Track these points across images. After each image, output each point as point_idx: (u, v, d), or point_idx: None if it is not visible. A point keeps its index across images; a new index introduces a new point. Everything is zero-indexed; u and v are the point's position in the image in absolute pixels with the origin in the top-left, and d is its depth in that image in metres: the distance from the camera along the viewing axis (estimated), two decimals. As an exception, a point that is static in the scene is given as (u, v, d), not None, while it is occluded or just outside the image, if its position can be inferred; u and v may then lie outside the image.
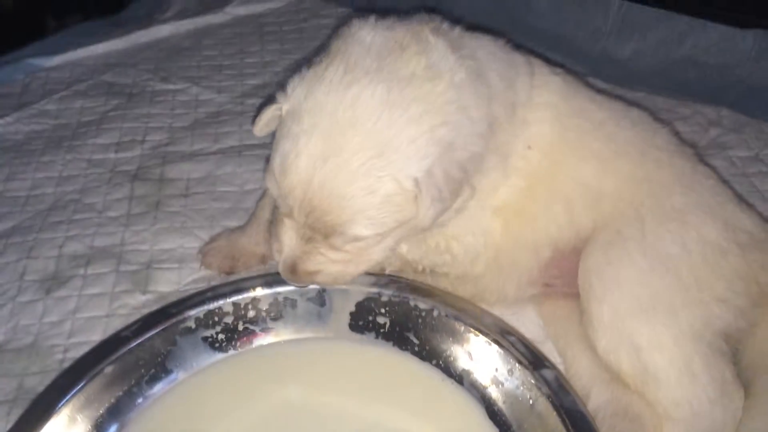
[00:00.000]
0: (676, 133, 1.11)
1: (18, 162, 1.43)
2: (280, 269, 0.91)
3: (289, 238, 0.90)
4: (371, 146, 0.82)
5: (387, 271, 1.04)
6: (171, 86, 1.66)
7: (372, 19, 0.93)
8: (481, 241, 0.99)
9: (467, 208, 0.93)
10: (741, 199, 1.07)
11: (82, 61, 1.74)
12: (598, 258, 0.94)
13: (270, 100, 0.92)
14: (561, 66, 1.10)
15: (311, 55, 0.97)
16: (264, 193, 1.22)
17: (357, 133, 0.82)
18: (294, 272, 0.90)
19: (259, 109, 0.94)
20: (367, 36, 0.89)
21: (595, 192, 0.98)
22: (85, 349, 1.01)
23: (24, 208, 1.32)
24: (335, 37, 0.93)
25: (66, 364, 1.02)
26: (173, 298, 1.08)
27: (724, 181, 1.14)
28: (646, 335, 0.89)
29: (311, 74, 0.88)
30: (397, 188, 0.83)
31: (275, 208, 0.94)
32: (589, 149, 0.99)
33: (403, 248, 1.01)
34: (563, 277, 1.01)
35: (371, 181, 0.82)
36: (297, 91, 0.87)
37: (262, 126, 0.93)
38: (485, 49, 0.97)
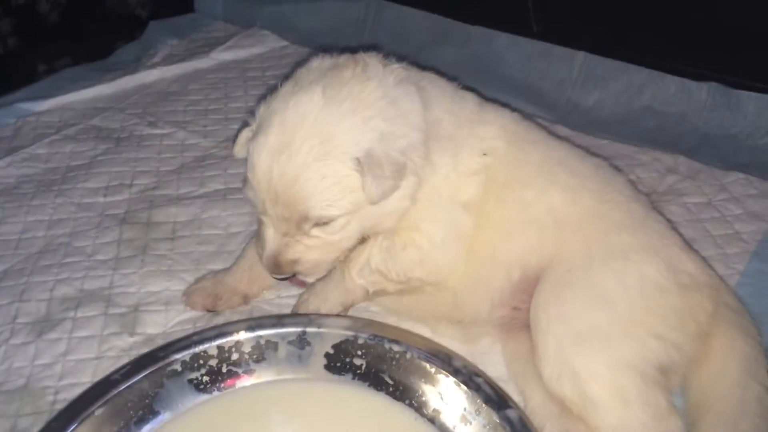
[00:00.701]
0: (632, 182, 1.20)
1: (10, 206, 1.48)
2: (264, 264, 1.07)
3: (269, 235, 1.05)
4: (315, 137, 0.98)
5: (371, 292, 1.14)
6: (158, 131, 1.72)
7: (326, 54, 1.13)
8: (446, 229, 1.09)
9: (426, 199, 1.06)
10: (690, 244, 1.15)
11: (72, 105, 1.80)
12: (547, 296, 1.03)
13: (244, 125, 1.11)
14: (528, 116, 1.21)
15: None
16: (251, 237, 1.29)
17: (302, 127, 0.99)
18: (277, 264, 1.05)
19: (236, 135, 1.14)
20: (316, 62, 1.10)
21: (562, 220, 1.08)
22: (76, 390, 1.07)
23: (15, 252, 1.37)
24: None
25: (57, 406, 1.07)
26: (160, 340, 1.14)
27: (680, 226, 1.22)
28: (583, 364, 0.98)
29: (271, 97, 1.07)
30: (344, 169, 0.99)
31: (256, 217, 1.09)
32: (558, 177, 1.10)
33: (374, 260, 1.12)
34: (529, 301, 1.08)
35: (320, 166, 0.98)
36: (261, 110, 1.07)
37: (240, 147, 1.11)
38: (425, 75, 1.15)
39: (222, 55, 2.03)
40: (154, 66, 1.96)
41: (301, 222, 1.02)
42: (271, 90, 1.10)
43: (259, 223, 1.07)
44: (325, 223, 1.03)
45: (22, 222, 1.44)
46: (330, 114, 1.00)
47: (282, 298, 1.28)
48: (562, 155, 1.16)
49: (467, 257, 1.11)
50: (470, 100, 1.16)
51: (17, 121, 1.74)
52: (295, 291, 1.26)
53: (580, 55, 1.77)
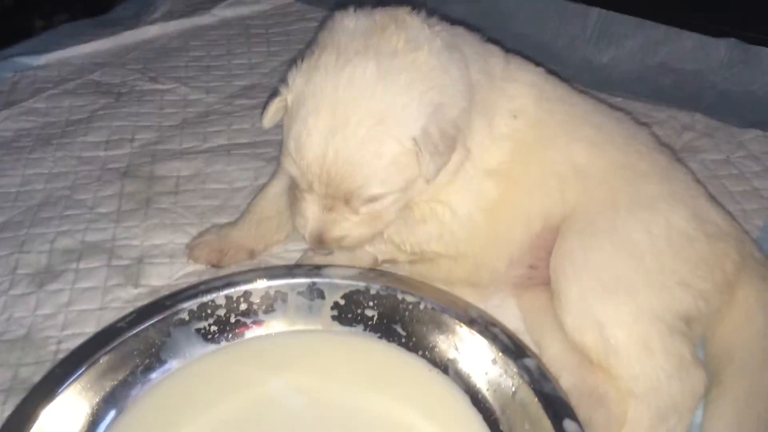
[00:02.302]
0: (655, 135, 1.17)
1: (8, 159, 1.44)
2: (308, 240, 1.02)
3: (311, 212, 1.00)
4: (371, 116, 0.92)
5: (380, 260, 1.08)
6: (159, 86, 1.68)
7: (351, 9, 1.04)
8: (472, 200, 1.05)
9: (463, 170, 1.02)
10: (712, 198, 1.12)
11: (70, 60, 1.76)
12: (572, 244, 1.00)
13: (274, 94, 1.02)
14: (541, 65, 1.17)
15: (300, 52, 1.06)
16: (260, 190, 1.25)
17: (358, 106, 0.92)
18: (321, 241, 1.00)
19: (265, 103, 1.04)
20: (350, 23, 1.00)
21: (584, 173, 1.04)
22: (79, 340, 1.03)
23: (14, 204, 1.33)
24: (322, 29, 1.04)
25: (60, 356, 1.04)
26: (165, 292, 1.11)
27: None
28: (608, 313, 0.95)
29: (307, 65, 0.98)
30: (400, 149, 0.94)
31: (292, 188, 1.04)
32: (581, 133, 1.07)
33: (388, 231, 1.07)
34: (546, 259, 1.05)
35: (377, 145, 0.93)
36: (297, 81, 0.97)
37: (270, 118, 1.03)
38: (457, 31, 1.08)
39: (224, 12, 1.98)
40: (154, 22, 1.91)
41: (350, 200, 0.97)
42: (297, 56, 1.03)
43: (298, 198, 1.01)
44: (375, 200, 0.98)
45: (21, 175, 1.41)
46: (386, 90, 0.93)
47: (290, 252, 1.25)
48: (586, 110, 1.13)
49: (486, 219, 1.07)
50: (498, 55, 1.11)
51: (14, 75, 1.69)
52: (303, 245, 1.22)
53: (594, 12, 1.72)
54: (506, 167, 1.05)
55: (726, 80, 1.62)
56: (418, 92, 0.94)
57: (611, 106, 1.29)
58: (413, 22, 1.00)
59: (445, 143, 0.95)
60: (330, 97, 0.93)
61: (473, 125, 1.02)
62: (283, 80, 1.01)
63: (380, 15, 1.01)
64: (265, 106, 1.03)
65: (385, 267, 1.16)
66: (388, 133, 0.93)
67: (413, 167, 0.96)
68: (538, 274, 1.09)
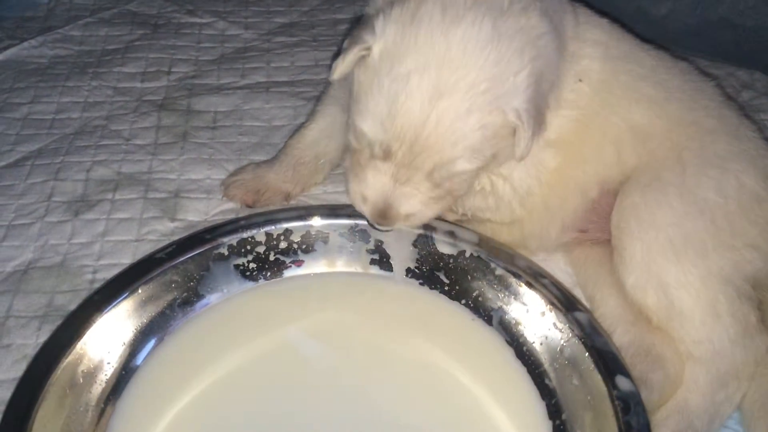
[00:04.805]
0: (721, 88, 1.10)
1: (43, 85, 1.41)
2: (369, 214, 0.91)
3: (380, 183, 0.89)
4: (483, 80, 0.82)
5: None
6: (197, 19, 1.63)
7: None
8: (533, 174, 0.98)
9: None
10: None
11: (107, -11, 1.71)
12: (636, 199, 0.95)
13: (353, 41, 0.89)
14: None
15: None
16: (297, 131, 1.21)
17: (470, 68, 0.82)
18: (385, 216, 0.90)
19: (335, 54, 0.92)
20: None
21: (644, 133, 0.99)
22: (115, 270, 1.02)
23: (50, 131, 1.31)
24: None
25: (96, 285, 1.03)
26: (201, 227, 1.08)
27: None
28: (674, 274, 0.91)
29: (401, 14, 0.86)
30: (502, 120, 0.84)
31: (354, 154, 0.92)
32: (642, 93, 1.00)
33: None
34: (599, 222, 1.01)
35: (483, 115, 0.83)
36: (389, 30, 0.85)
37: (344, 68, 0.90)
38: None
39: (265, -53, 1.90)
40: (192, -47, 1.85)
41: (434, 172, 0.86)
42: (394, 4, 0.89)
43: (362, 165, 0.89)
44: (462, 174, 0.88)
45: (56, 102, 1.38)
46: (501, 54, 0.83)
47: (329, 194, 1.21)
48: (650, 67, 1.05)
49: (541, 189, 1.02)
50: (569, 12, 1.01)
51: (50, 1, 1.66)
52: (342, 187, 1.18)
53: (654, -39, 1.63)
54: (566, 136, 0.98)
55: (790, 38, 1.53)
56: (529, 59, 0.85)
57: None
58: None
59: (539, 119, 0.87)
60: (439, 55, 0.82)
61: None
62: (361, 26, 0.89)
63: None
64: (335, 56, 0.91)
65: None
66: (496, 102, 0.83)
67: (506, 141, 0.87)
68: (589, 236, 1.05)
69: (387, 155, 0.86)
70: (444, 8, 0.84)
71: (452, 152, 0.84)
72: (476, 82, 0.82)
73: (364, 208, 0.91)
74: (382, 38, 0.85)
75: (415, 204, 0.89)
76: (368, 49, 0.87)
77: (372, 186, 0.89)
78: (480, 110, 0.83)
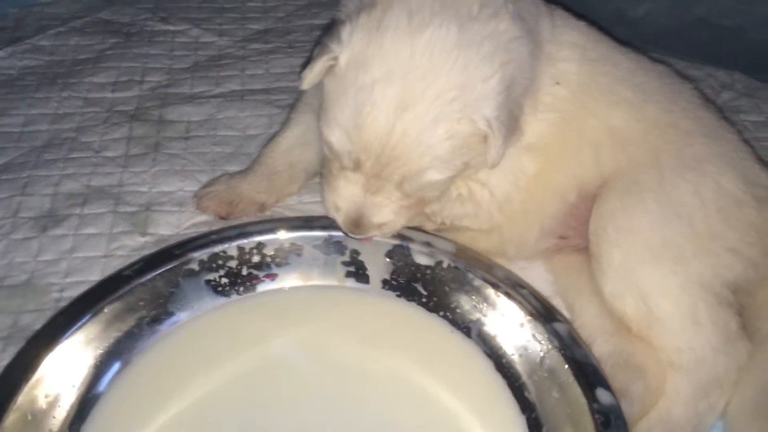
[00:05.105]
0: (700, 91, 1.09)
1: (11, 97, 1.37)
2: (343, 223, 0.90)
3: (351, 194, 0.88)
4: (450, 89, 0.80)
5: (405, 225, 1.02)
6: (170, 27, 1.60)
7: None
8: (511, 180, 0.97)
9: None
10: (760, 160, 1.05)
11: (78, -2, 1.68)
12: (613, 204, 0.93)
13: (321, 50, 0.87)
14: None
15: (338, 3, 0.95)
16: (271, 140, 1.19)
17: (437, 77, 0.80)
18: (358, 225, 0.89)
19: (305, 62, 0.90)
20: None
21: (623, 136, 0.97)
22: (83, 288, 0.99)
23: (18, 144, 1.27)
24: None
25: (62, 303, 0.99)
26: (173, 241, 1.05)
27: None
28: (653, 281, 0.89)
29: (368, 21, 0.84)
30: (472, 129, 0.82)
31: (327, 163, 0.91)
32: (620, 96, 0.99)
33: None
34: (578, 227, 1.00)
35: (451, 124, 0.81)
36: (355, 38, 0.83)
37: (313, 77, 0.87)
38: None
39: (239, -48, 1.88)
40: (165, -41, 1.82)
41: (404, 183, 0.85)
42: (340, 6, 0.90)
43: (334, 176, 0.89)
44: (432, 184, 0.87)
45: (25, 115, 1.34)
46: (468, 61, 0.81)
47: (305, 203, 1.19)
48: (628, 69, 1.04)
49: (519, 194, 1.00)
50: (545, 15, 0.99)
51: (19, 11, 1.61)
52: (318, 197, 1.16)
53: (631, -39, 1.62)
54: (545, 140, 0.97)
55: (768, 38, 1.52)
56: (499, 64, 0.83)
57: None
58: None
59: (511, 126, 0.85)
60: (404, 64, 0.80)
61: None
62: (331, 34, 0.87)
63: None
64: (305, 64, 0.89)
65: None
66: (464, 111, 0.81)
67: (477, 149, 0.85)
68: (569, 242, 1.04)
69: (357, 166, 0.85)
70: (410, 14, 0.82)
71: (420, 163, 0.82)
72: (443, 90, 0.80)
73: (338, 217, 0.90)
74: (348, 47, 0.83)
75: (387, 213, 0.88)
76: (335, 58, 0.84)
77: (344, 196, 0.88)
78: (448, 119, 0.81)
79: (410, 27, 0.81)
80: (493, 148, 0.84)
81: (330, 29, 0.91)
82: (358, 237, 0.92)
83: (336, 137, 0.84)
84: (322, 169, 0.97)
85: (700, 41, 1.55)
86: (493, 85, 0.82)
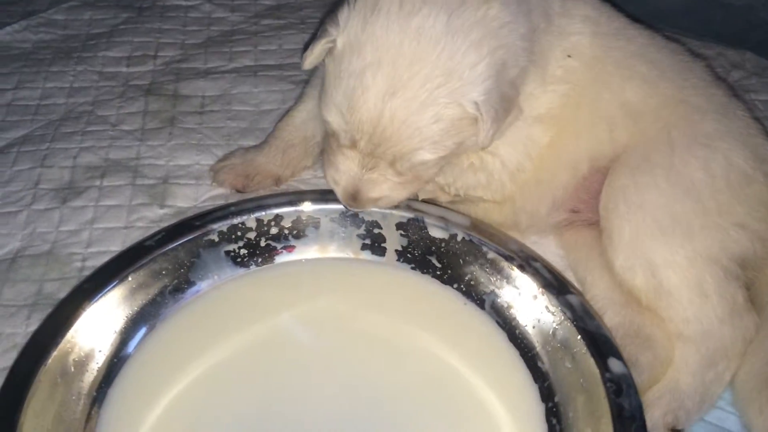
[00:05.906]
0: (711, 68, 1.10)
1: (27, 71, 1.39)
2: (341, 197, 0.94)
3: (349, 169, 0.91)
4: (437, 75, 0.83)
5: (420, 198, 1.04)
6: (183, 2, 1.60)
7: None
8: (522, 150, 0.99)
9: (513, 126, 0.93)
10: None
11: (90, -29, 1.68)
12: (625, 180, 0.95)
13: (321, 33, 0.90)
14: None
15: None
16: (286, 114, 1.20)
17: (424, 64, 0.83)
18: (355, 199, 0.93)
19: (306, 45, 0.93)
20: None
21: (636, 111, 0.99)
22: (104, 258, 1.01)
23: (35, 117, 1.29)
24: None
25: (85, 273, 1.02)
26: (191, 214, 1.07)
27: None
28: (662, 254, 0.92)
29: (363, 6, 0.86)
30: (461, 113, 0.85)
31: (328, 139, 0.94)
32: (635, 70, 1.00)
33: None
34: (589, 201, 1.01)
35: (438, 108, 0.84)
36: (351, 23, 0.86)
37: (313, 59, 0.91)
38: None
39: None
40: (177, -66, 1.81)
41: (396, 162, 0.89)
42: None
43: (334, 151, 0.92)
44: (423, 164, 0.90)
45: (41, 88, 1.35)
46: (456, 48, 0.83)
47: (319, 177, 1.20)
48: (641, 44, 1.05)
49: (531, 165, 1.02)
50: None
51: (32, -16, 1.62)
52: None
53: (643, -61, 1.62)
54: (556, 111, 0.98)
55: (780, 17, 1.53)
56: (488, 50, 0.85)
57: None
58: None
59: (504, 107, 0.87)
60: (393, 50, 0.83)
61: (527, 77, 0.94)
62: (332, 18, 0.89)
63: None
64: (307, 45, 0.92)
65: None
66: (451, 96, 0.84)
67: (467, 132, 0.87)
68: (581, 216, 1.05)
69: (353, 144, 0.88)
70: (402, 1, 0.84)
71: (410, 144, 0.86)
72: (431, 76, 0.83)
73: (337, 191, 0.94)
74: (345, 30, 0.86)
75: (383, 189, 0.92)
76: (333, 41, 0.87)
77: (341, 171, 0.92)
78: (435, 104, 0.83)
79: (400, 13, 0.84)
80: (483, 130, 0.86)
81: (336, 8, 0.93)
82: (358, 210, 0.97)
83: (333, 117, 0.88)
84: (324, 145, 1.00)
85: (711, 20, 1.55)
86: (480, 71, 0.84)
